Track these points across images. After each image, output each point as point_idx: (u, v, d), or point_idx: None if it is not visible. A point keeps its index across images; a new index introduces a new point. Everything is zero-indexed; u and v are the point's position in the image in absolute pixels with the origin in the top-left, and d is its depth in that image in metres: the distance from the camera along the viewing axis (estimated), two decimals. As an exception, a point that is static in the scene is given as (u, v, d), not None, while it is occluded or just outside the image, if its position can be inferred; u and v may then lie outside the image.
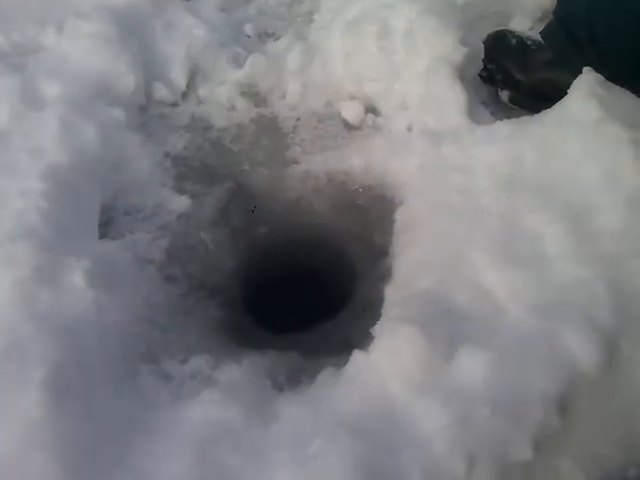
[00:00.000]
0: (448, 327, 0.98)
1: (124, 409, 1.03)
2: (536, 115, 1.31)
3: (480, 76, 1.60)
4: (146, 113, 1.69)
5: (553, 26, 1.51)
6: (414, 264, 1.18)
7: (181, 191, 1.48)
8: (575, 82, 1.26)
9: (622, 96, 1.21)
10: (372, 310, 1.20)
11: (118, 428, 0.99)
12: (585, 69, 1.27)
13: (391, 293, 1.15)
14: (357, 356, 1.02)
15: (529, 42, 1.57)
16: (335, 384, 1.00)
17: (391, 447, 0.86)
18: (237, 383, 1.05)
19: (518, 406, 0.87)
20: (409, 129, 1.53)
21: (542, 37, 1.54)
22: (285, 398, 1.03)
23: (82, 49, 1.67)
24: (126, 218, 1.42)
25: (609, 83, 1.24)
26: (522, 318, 0.99)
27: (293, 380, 1.10)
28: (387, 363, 0.96)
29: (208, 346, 1.17)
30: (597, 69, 1.28)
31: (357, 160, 1.49)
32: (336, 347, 1.20)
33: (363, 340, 1.09)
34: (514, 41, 1.57)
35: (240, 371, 1.08)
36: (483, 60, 1.58)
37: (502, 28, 1.66)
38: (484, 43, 1.60)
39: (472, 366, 0.91)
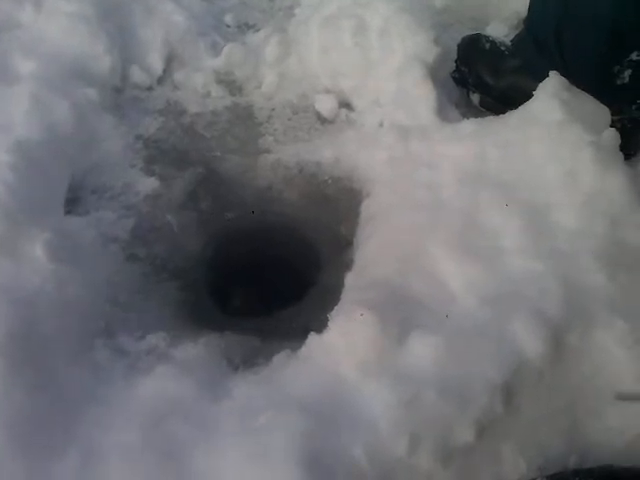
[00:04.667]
0: (401, 313, 1.00)
1: (78, 382, 1.03)
2: (502, 115, 1.34)
3: (453, 78, 1.62)
4: (121, 95, 1.70)
5: (523, 35, 1.54)
6: (374, 253, 1.20)
7: (150, 173, 1.48)
8: (541, 85, 1.29)
9: (585, 100, 1.25)
10: (334, 297, 1.22)
11: (70, 400, 1.00)
12: (551, 73, 1.30)
13: (350, 280, 1.17)
14: (312, 338, 1.03)
15: (502, 47, 1.59)
16: (289, 365, 1.02)
17: (337, 424, 0.87)
18: (192, 361, 1.06)
19: (464, 391, 0.89)
20: (381, 124, 1.55)
21: (512, 45, 1.57)
22: (239, 377, 1.04)
23: (59, 28, 1.67)
24: (93, 196, 1.42)
25: (573, 87, 1.27)
26: (474, 308, 1.01)
27: (249, 361, 1.11)
28: (340, 345, 0.97)
29: (166, 325, 1.17)
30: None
31: (328, 152, 1.51)
32: (295, 332, 1.21)
33: (322, 326, 1.11)
34: (488, 45, 1.60)
35: (196, 350, 1.09)
36: (456, 62, 1.61)
37: (477, 32, 1.69)
38: (458, 45, 1.62)
39: (422, 350, 0.93)
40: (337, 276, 1.31)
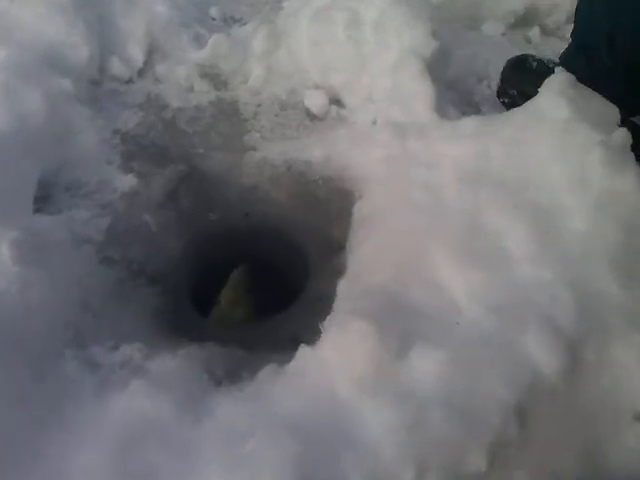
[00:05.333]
0: (401, 323, 0.91)
1: (43, 397, 0.93)
2: (505, 113, 1.26)
3: (502, 103, 1.55)
4: (98, 88, 1.61)
5: (572, 51, 1.44)
6: (369, 258, 1.11)
7: (128, 170, 1.39)
8: (546, 81, 1.21)
9: (593, 98, 1.17)
10: (325, 305, 1.13)
11: (35, 417, 0.90)
12: (557, 69, 1.23)
13: (344, 287, 1.08)
14: (303, 351, 0.94)
15: (550, 65, 1.49)
16: (278, 380, 0.92)
17: (333, 450, 0.78)
18: (170, 375, 0.96)
19: (474, 412, 0.80)
20: (374, 122, 1.47)
21: (560, 62, 1.47)
22: (222, 394, 0.94)
23: (34, 15, 1.58)
24: (65, 194, 1.32)
25: (580, 84, 1.19)
26: (480, 318, 0.92)
27: (232, 375, 1.01)
28: (335, 359, 0.88)
29: (142, 335, 1.07)
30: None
31: (318, 151, 1.42)
32: (283, 342, 1.12)
33: (313, 336, 1.03)
34: (535, 64, 1.51)
35: (174, 362, 0.99)
36: (501, 84, 1.54)
37: (523, 53, 1.58)
38: (504, 68, 1.55)
39: (425, 366, 0.84)
40: (328, 282, 1.22)
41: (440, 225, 1.09)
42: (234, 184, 1.43)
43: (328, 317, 0.99)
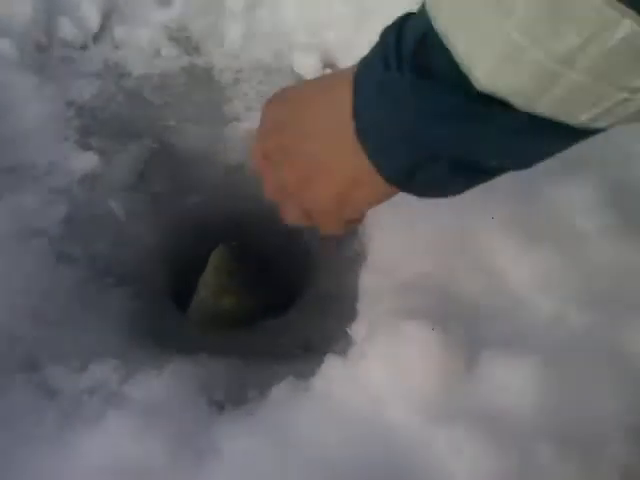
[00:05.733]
0: (464, 325, 0.70)
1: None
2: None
3: None
4: (46, 54, 1.35)
5: None
6: (398, 244, 0.89)
7: (86, 147, 1.14)
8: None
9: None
10: (340, 303, 0.93)
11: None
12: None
13: (369, 281, 0.86)
14: (332, 362, 0.72)
15: None
16: (300, 401, 0.70)
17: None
18: (157, 401, 0.73)
19: (593, 443, 0.59)
20: (378, 85, 1.26)
21: None
22: (227, 422, 0.71)
23: (-37, -32, 1.32)
24: (10, 176, 1.06)
25: None
26: (562, 314, 0.72)
27: (236, 396, 0.78)
28: (381, 373, 0.66)
29: (115, 349, 0.83)
30: None
31: (314, 120, 1.20)
32: (292, 350, 0.91)
33: (329, 341, 0.83)
34: None
35: (162, 383, 0.75)
36: None
37: None
38: None
39: (514, 382, 0.62)
40: (339, 275, 1.02)
41: (486, 196, 0.87)
42: (215, 160, 1.21)
43: (358, 319, 0.78)
